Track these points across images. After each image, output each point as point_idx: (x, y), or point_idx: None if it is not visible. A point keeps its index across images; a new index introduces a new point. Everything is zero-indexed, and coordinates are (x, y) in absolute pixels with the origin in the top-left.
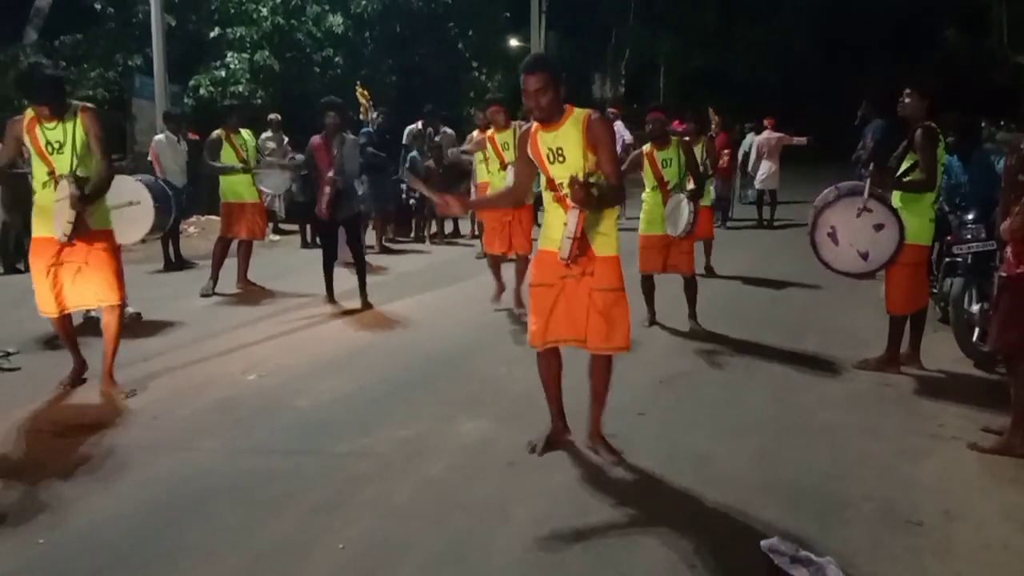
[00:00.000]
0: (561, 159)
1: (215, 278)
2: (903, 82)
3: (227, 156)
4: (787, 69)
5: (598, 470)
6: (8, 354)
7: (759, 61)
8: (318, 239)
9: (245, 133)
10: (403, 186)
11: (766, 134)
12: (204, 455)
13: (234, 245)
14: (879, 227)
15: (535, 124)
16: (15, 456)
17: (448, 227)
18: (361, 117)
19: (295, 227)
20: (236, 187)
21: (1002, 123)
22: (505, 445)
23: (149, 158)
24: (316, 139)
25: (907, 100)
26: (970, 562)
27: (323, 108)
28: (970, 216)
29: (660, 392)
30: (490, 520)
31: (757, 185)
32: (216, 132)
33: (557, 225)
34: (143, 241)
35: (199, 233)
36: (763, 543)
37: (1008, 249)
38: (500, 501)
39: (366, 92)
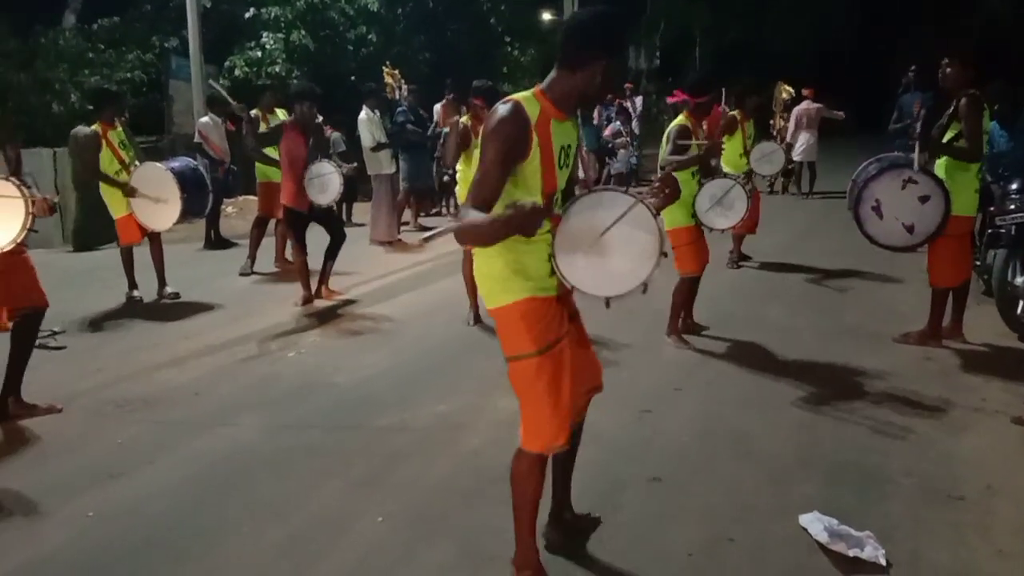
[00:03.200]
0: (567, 163)
1: (253, 257)
2: (944, 52)
3: None
4: (824, 39)
5: (634, 446)
6: (55, 333)
7: (796, 31)
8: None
9: (281, 113)
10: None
11: (805, 104)
12: (245, 431)
13: (272, 225)
14: (924, 199)
15: (540, 109)
16: (62, 433)
17: None
18: (390, 96)
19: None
20: (270, 168)
21: None
22: None
23: (197, 139)
24: (289, 122)
25: (948, 70)
26: (1013, 538)
27: (296, 97)
28: (1014, 186)
29: (697, 369)
30: None
31: (796, 157)
32: (252, 112)
33: (542, 255)
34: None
35: (238, 213)
36: (802, 518)
37: None
38: None
39: (395, 72)
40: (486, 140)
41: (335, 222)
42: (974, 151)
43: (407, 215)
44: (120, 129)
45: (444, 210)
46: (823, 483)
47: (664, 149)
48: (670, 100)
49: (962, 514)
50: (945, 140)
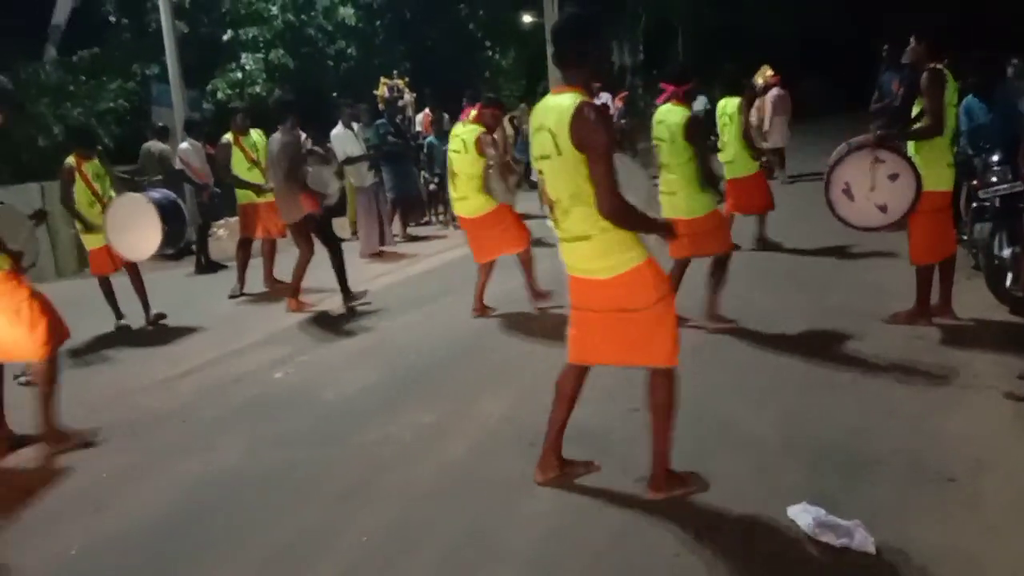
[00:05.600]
0: None
1: (241, 279)
2: (908, 28)
3: (237, 160)
4: (805, 22)
5: (621, 443)
6: None
7: (777, 14)
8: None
9: (255, 134)
10: (423, 171)
11: (776, 90)
12: (230, 453)
13: (259, 245)
14: (894, 176)
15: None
16: (48, 465)
17: None
18: (382, 107)
19: None
20: (247, 188)
21: None
22: (527, 425)
23: (179, 166)
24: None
25: (912, 46)
26: (1003, 513)
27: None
28: (995, 158)
29: (684, 359)
30: (511, 498)
31: (774, 143)
32: (225, 137)
33: None
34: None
35: (228, 235)
36: (790, 509)
37: None
38: (522, 479)
39: (398, 83)
40: (601, 136)
41: (330, 233)
42: (934, 127)
43: (396, 226)
44: (96, 160)
45: (433, 219)
46: (810, 468)
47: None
48: (660, 100)
49: (951, 492)
50: (913, 115)
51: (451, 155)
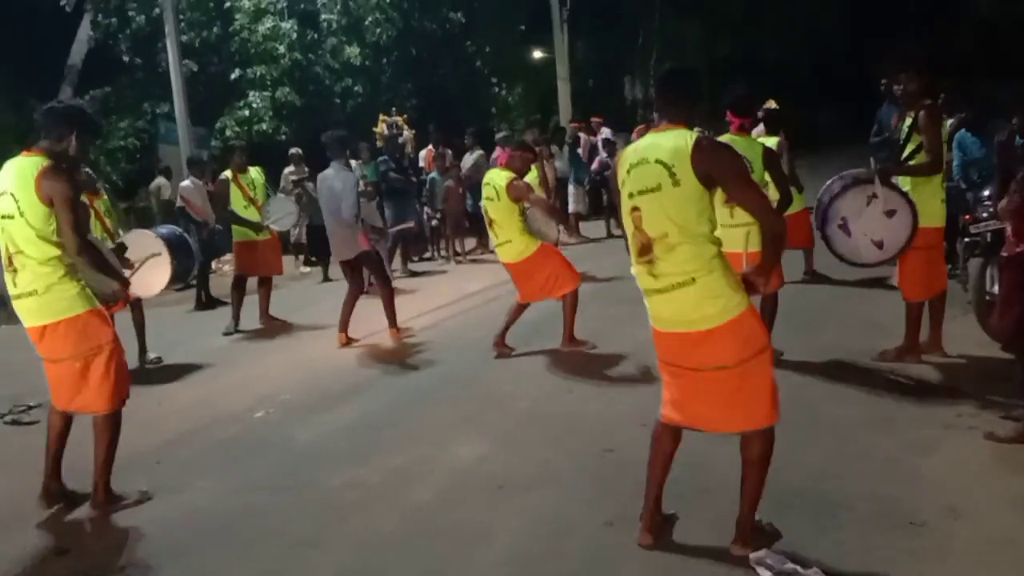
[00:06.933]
0: None
1: (236, 317)
2: (898, 64)
3: (235, 197)
4: (816, 50)
5: (590, 487)
6: (29, 408)
7: (789, 42)
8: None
9: (254, 171)
10: (425, 207)
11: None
12: (198, 496)
13: (255, 282)
14: (891, 213)
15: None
16: (19, 508)
17: (469, 244)
18: (380, 144)
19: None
20: (245, 226)
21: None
22: (498, 467)
23: (179, 204)
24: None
25: (903, 82)
26: (971, 560)
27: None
28: (987, 192)
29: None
30: (471, 544)
31: None
32: (223, 174)
33: None
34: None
35: (231, 271)
36: (751, 556)
37: (1008, 228)
38: (485, 525)
39: (397, 119)
40: (739, 166)
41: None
42: (935, 163)
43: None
44: (105, 197)
45: (435, 254)
46: (777, 510)
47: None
48: (733, 130)
49: (920, 539)
50: (908, 152)
51: (485, 203)
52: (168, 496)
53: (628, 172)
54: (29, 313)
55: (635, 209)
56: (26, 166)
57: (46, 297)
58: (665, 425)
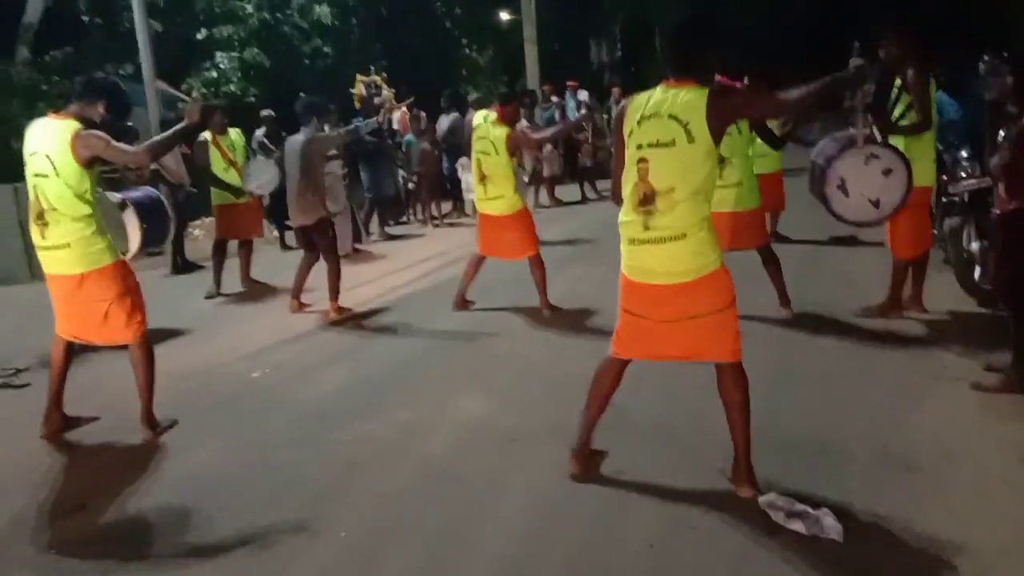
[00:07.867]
0: None
1: (217, 280)
2: (881, 29)
3: (215, 159)
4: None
5: (597, 438)
6: (18, 371)
7: (752, 9)
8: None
9: (233, 133)
10: (401, 170)
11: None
12: (206, 454)
13: (235, 245)
14: (887, 172)
15: None
16: (28, 467)
17: (446, 207)
18: (359, 106)
19: None
20: (225, 190)
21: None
22: (506, 421)
23: (153, 165)
24: (207, 136)
25: (888, 46)
26: (967, 499)
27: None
28: (964, 153)
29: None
30: (489, 495)
31: None
32: (202, 136)
33: None
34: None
35: (205, 235)
36: (761, 499)
37: (1000, 186)
38: (501, 475)
39: (375, 78)
40: (748, 94)
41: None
42: (925, 121)
43: (374, 225)
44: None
45: (411, 218)
46: (780, 459)
47: None
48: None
49: (918, 481)
50: (898, 113)
51: (479, 157)
52: (176, 454)
53: (639, 123)
54: (62, 264)
55: (642, 160)
56: (60, 128)
57: (80, 249)
58: (613, 361)
